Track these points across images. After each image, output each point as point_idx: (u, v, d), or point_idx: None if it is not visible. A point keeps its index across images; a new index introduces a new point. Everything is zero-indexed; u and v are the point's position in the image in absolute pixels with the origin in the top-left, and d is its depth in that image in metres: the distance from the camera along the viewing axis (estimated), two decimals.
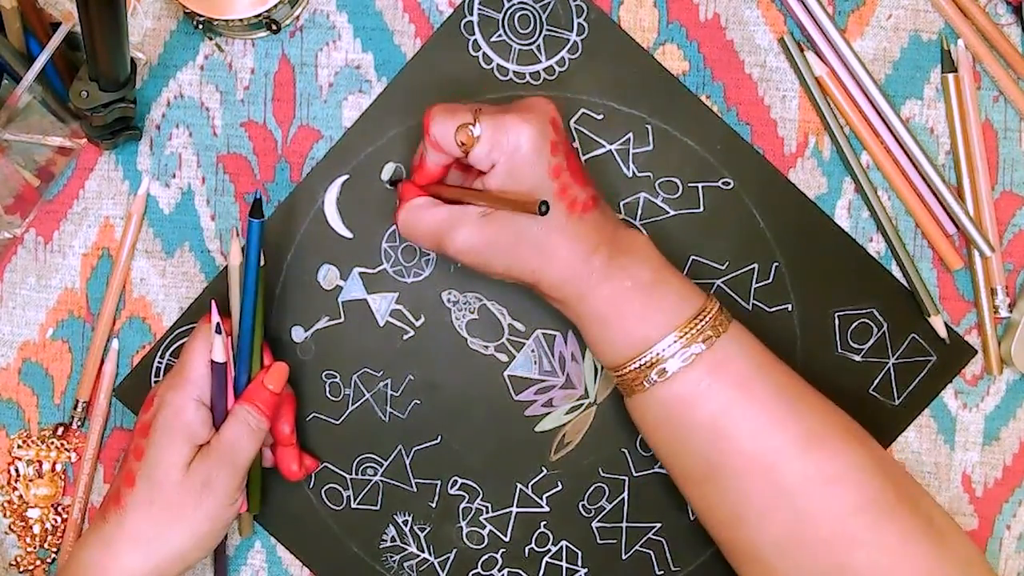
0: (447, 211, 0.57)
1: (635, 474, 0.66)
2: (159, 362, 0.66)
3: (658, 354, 0.56)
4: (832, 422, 0.57)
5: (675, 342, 0.56)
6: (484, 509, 0.66)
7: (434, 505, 0.66)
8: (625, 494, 0.66)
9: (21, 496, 0.66)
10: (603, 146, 0.66)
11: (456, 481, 0.66)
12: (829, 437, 0.56)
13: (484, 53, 0.66)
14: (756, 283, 0.66)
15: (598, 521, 0.66)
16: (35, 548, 0.66)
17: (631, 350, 0.56)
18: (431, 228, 0.57)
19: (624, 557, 0.66)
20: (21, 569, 0.66)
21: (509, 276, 0.57)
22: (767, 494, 0.55)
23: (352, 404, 0.66)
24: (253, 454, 0.59)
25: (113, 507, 0.57)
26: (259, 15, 0.62)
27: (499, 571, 0.66)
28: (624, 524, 0.66)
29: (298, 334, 0.66)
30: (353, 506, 0.66)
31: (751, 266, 0.66)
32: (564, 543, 0.66)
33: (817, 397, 0.58)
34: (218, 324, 0.58)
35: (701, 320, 0.56)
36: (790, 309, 0.66)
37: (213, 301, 0.59)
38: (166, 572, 0.57)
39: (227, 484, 0.58)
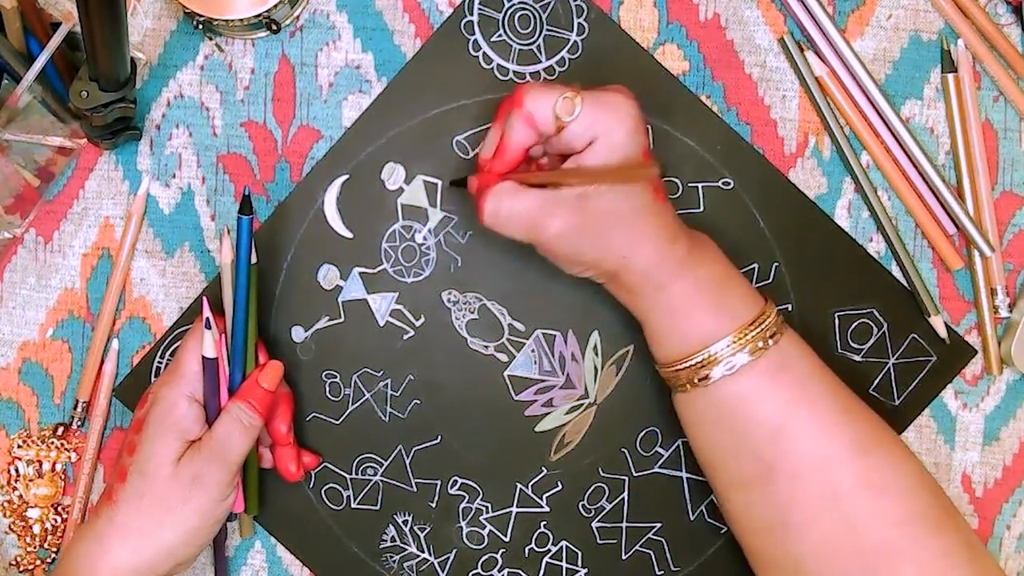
0: (540, 195, 0.55)
1: (635, 474, 0.66)
2: (159, 362, 0.66)
3: (721, 351, 0.56)
4: (881, 431, 0.57)
5: (738, 340, 0.55)
6: (484, 509, 0.66)
7: (434, 505, 0.66)
8: (625, 494, 0.66)
9: (21, 496, 0.66)
10: None
11: (456, 481, 0.66)
12: (880, 445, 0.56)
13: (484, 53, 0.66)
14: (756, 283, 0.66)
15: (598, 521, 0.66)
16: (35, 548, 0.66)
17: (695, 345, 0.56)
18: (525, 213, 0.55)
19: (624, 557, 0.66)
20: (21, 569, 0.66)
21: (597, 266, 0.57)
22: (817, 498, 0.55)
23: (352, 404, 0.66)
24: (245, 451, 0.59)
25: (106, 503, 0.58)
26: (259, 15, 0.62)
27: (499, 571, 0.66)
28: (624, 524, 0.66)
29: (298, 334, 0.66)
30: (353, 506, 0.66)
31: (751, 266, 0.66)
32: (564, 543, 0.66)
33: (865, 407, 0.58)
34: (208, 319, 0.58)
35: (764, 320, 0.56)
36: (790, 309, 0.66)
37: (204, 298, 0.60)
38: (156, 567, 0.57)
39: (218, 480, 0.57)
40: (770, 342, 0.56)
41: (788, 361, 0.56)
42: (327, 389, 0.66)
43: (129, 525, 0.57)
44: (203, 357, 0.59)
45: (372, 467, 0.66)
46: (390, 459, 0.66)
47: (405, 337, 0.66)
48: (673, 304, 0.57)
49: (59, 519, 0.66)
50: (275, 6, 0.62)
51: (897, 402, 0.66)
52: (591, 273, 0.58)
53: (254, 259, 0.60)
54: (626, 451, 0.66)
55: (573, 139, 0.55)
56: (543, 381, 0.66)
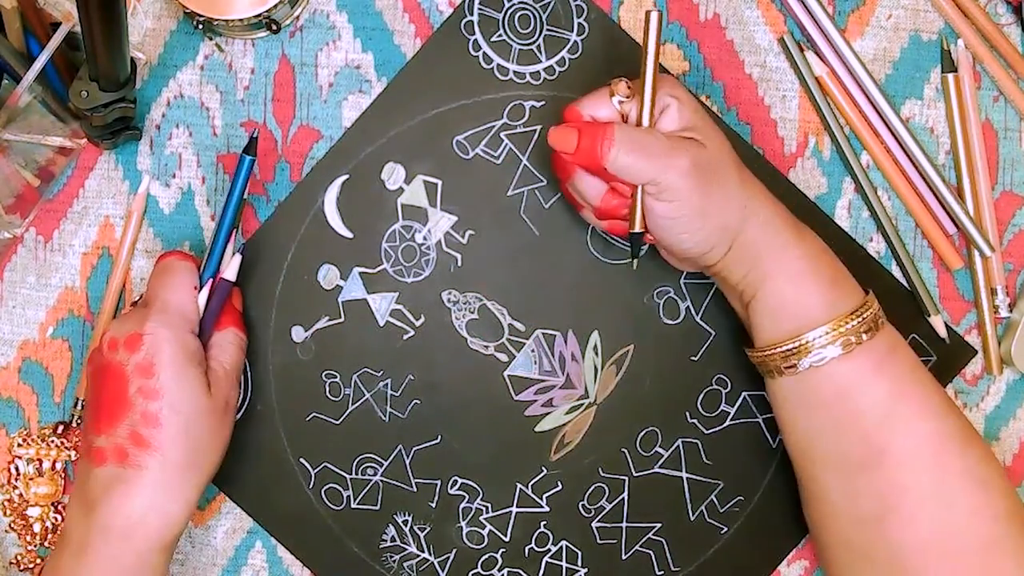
0: (663, 134, 0.56)
1: (635, 474, 0.66)
2: None
3: (815, 340, 0.55)
4: (972, 428, 0.57)
5: (835, 330, 0.55)
6: (484, 509, 0.66)
7: (434, 505, 0.66)
8: (625, 494, 0.66)
9: (21, 495, 0.66)
10: None
11: (456, 481, 0.66)
12: (977, 438, 0.57)
13: (484, 53, 0.66)
14: None
15: (598, 521, 0.66)
16: (35, 546, 0.66)
17: (795, 324, 0.56)
18: (654, 146, 0.54)
19: (624, 557, 0.66)
20: (21, 568, 0.66)
21: (722, 222, 0.55)
22: (927, 485, 0.54)
23: (352, 404, 0.66)
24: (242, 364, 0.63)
25: (139, 451, 0.56)
26: (259, 15, 0.62)
27: (499, 571, 0.66)
28: (624, 524, 0.66)
29: (298, 334, 0.66)
30: (353, 506, 0.66)
31: None
32: (564, 543, 0.66)
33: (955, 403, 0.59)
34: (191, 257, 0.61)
35: (865, 312, 0.56)
36: None
37: (178, 255, 0.61)
38: (203, 489, 0.59)
39: (237, 396, 0.63)
40: (864, 336, 0.55)
41: (894, 347, 0.57)
42: (327, 389, 0.66)
43: (179, 462, 0.57)
44: (222, 279, 0.61)
45: (372, 467, 0.66)
46: (390, 459, 0.66)
47: (405, 337, 0.66)
48: (798, 269, 0.56)
49: (59, 517, 0.66)
50: (275, 6, 0.62)
51: None
52: (713, 241, 0.55)
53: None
54: (626, 451, 0.66)
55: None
56: (543, 381, 0.66)
